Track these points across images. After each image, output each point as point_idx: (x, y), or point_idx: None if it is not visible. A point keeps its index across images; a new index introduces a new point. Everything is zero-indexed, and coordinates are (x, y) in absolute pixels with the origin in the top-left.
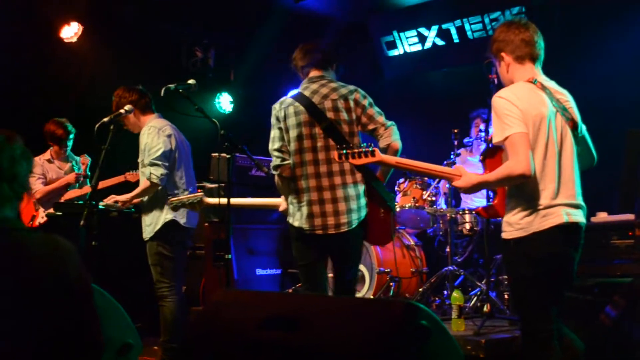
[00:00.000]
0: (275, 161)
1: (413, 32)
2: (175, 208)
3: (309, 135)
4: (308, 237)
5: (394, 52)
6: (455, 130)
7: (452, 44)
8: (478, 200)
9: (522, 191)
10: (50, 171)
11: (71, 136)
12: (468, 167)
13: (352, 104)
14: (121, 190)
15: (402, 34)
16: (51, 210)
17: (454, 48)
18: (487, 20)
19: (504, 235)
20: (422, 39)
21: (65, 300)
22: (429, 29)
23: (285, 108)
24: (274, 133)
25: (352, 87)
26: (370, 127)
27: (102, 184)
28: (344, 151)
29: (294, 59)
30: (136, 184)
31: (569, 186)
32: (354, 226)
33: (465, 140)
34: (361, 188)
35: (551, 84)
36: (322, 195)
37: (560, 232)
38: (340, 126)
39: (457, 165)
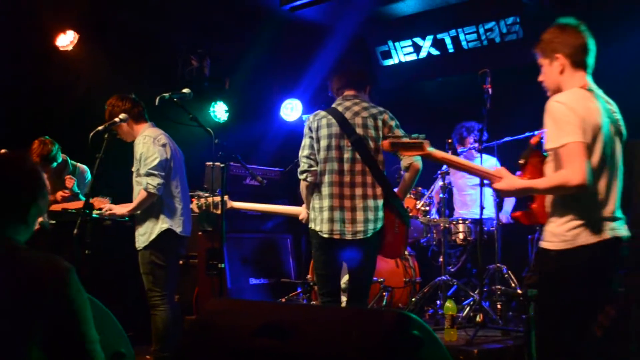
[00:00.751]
0: (303, 166)
1: (408, 42)
2: (200, 208)
3: (338, 146)
4: (327, 243)
5: (389, 62)
6: (449, 140)
7: (446, 54)
8: (472, 211)
9: (573, 202)
10: None
11: (52, 154)
12: (459, 178)
13: (380, 123)
14: (117, 201)
15: (397, 44)
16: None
17: (448, 58)
18: (481, 30)
19: (546, 246)
20: (417, 48)
21: (65, 320)
22: (423, 38)
23: (319, 120)
24: (306, 141)
25: (381, 109)
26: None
27: (68, 206)
28: (396, 141)
29: (332, 80)
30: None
31: (615, 199)
32: (369, 235)
33: (459, 150)
34: (380, 202)
35: (601, 93)
36: (342, 202)
37: (607, 247)
38: (367, 142)
39: (499, 168)
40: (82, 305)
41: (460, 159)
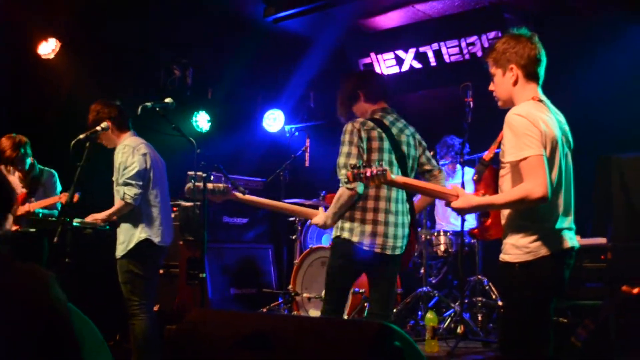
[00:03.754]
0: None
1: (391, 55)
2: (192, 193)
3: (389, 161)
4: (363, 256)
5: None
6: (432, 153)
7: (429, 67)
8: (453, 222)
9: (533, 214)
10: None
11: (28, 148)
12: None
13: (417, 142)
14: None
15: (379, 56)
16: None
17: (431, 71)
18: (463, 44)
19: (508, 259)
20: (400, 61)
21: (46, 329)
22: (406, 51)
23: (369, 131)
24: (352, 150)
25: (412, 127)
26: (427, 167)
27: (38, 204)
28: (358, 171)
29: (364, 87)
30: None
31: (570, 210)
32: (403, 250)
33: (441, 163)
34: (408, 218)
35: (550, 104)
36: (388, 217)
37: (565, 256)
38: (407, 160)
39: (454, 185)
40: (65, 313)
41: (418, 182)
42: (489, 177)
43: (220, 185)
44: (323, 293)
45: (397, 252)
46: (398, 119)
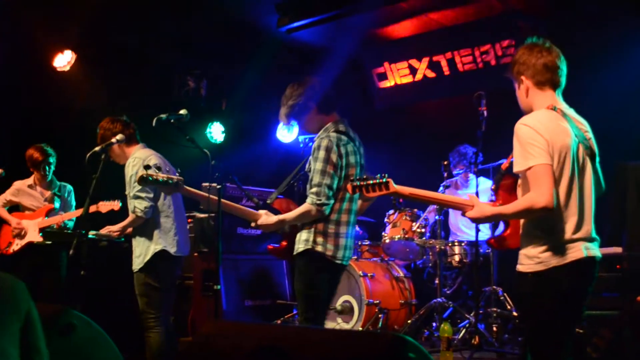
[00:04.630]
0: (322, 199)
1: (404, 64)
2: (145, 182)
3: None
4: (335, 268)
5: (385, 84)
6: (445, 162)
7: (442, 76)
8: (467, 232)
9: (544, 224)
10: (27, 196)
11: (51, 159)
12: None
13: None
14: (119, 219)
15: (393, 66)
16: (31, 240)
17: (444, 80)
18: (477, 52)
19: (521, 269)
20: (413, 70)
21: (24, 333)
22: (420, 60)
23: (345, 145)
24: (328, 169)
25: None
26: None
27: (63, 217)
28: (358, 183)
29: (330, 97)
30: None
31: (588, 220)
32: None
33: (455, 172)
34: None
35: (571, 112)
36: (352, 230)
37: (580, 267)
38: (362, 172)
39: (471, 195)
40: (38, 319)
41: (428, 193)
42: (507, 186)
43: (174, 177)
44: (337, 304)
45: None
46: (350, 129)
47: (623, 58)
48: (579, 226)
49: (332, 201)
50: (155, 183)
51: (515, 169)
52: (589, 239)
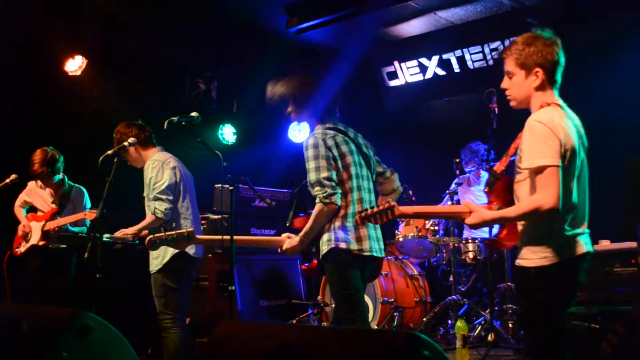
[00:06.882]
0: (327, 190)
1: (414, 62)
2: (154, 246)
3: (358, 163)
4: (363, 261)
5: (395, 82)
6: (457, 160)
7: (452, 74)
8: (482, 229)
9: (550, 220)
10: (37, 197)
11: (58, 165)
12: (467, 197)
13: (369, 145)
14: (132, 222)
15: (403, 64)
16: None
17: (454, 78)
18: (487, 50)
19: (524, 263)
20: (423, 69)
21: None
22: (429, 59)
23: (333, 137)
24: (321, 163)
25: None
26: (380, 169)
27: (65, 220)
28: (365, 214)
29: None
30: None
31: (585, 214)
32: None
33: (467, 169)
34: None
35: (568, 109)
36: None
37: (580, 262)
38: (370, 161)
39: (464, 202)
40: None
41: (428, 208)
42: (500, 188)
43: (183, 231)
44: None
45: (384, 254)
46: (345, 124)
47: (631, 54)
48: (580, 221)
49: (338, 190)
50: (165, 243)
51: (524, 166)
52: (587, 233)
